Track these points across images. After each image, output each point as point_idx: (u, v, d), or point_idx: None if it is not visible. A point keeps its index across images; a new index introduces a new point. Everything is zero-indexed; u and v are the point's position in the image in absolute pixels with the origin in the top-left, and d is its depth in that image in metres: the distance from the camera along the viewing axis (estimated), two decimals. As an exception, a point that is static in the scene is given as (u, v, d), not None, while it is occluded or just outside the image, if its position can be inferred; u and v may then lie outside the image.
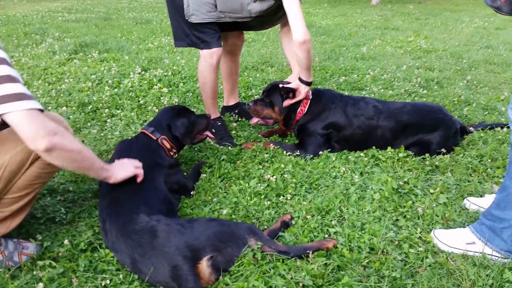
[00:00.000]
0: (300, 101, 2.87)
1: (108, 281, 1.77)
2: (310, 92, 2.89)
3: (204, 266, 1.74)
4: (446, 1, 14.49)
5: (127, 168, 2.02)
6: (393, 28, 8.30)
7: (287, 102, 2.85)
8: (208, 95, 3.05)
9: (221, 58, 3.26)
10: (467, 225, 2.03)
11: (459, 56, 5.70)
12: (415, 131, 2.82)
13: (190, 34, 2.84)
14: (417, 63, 5.28)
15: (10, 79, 1.54)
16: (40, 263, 1.86)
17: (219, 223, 1.96)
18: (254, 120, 3.02)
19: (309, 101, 2.88)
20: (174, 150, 2.46)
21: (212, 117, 3.11)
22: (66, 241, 1.97)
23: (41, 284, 1.72)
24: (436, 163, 2.71)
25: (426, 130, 2.82)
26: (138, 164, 2.10)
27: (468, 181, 2.52)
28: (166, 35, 6.95)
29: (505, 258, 1.86)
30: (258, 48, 6.05)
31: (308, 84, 2.79)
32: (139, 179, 2.07)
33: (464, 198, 2.32)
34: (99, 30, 7.36)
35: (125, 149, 2.33)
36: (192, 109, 3.60)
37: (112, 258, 1.90)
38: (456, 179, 2.53)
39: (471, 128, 3.09)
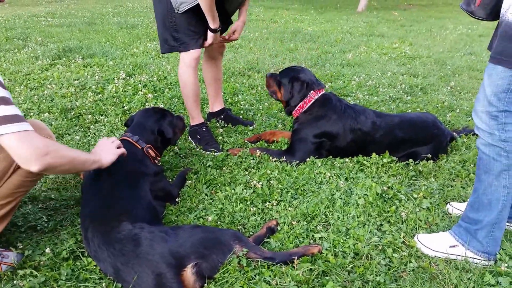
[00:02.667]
0: (303, 95, 2.89)
1: (90, 290, 1.75)
2: (313, 92, 2.89)
3: (189, 273, 1.73)
4: (431, 8, 14.72)
5: (112, 151, 2.06)
6: (378, 34, 8.39)
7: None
8: (190, 99, 3.05)
9: (203, 63, 3.30)
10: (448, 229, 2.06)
11: (443, 62, 5.78)
12: (409, 145, 2.85)
13: (169, 39, 2.87)
14: (402, 70, 5.35)
15: (4, 101, 1.55)
16: (21, 272, 1.83)
17: (203, 230, 1.95)
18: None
19: (312, 100, 2.88)
20: (159, 158, 2.45)
21: (196, 123, 3.12)
22: (47, 250, 1.94)
23: (21, 294, 1.70)
24: (420, 168, 2.74)
25: (419, 144, 2.85)
26: (117, 142, 2.15)
27: (451, 186, 2.55)
28: (152, 40, 6.92)
29: (486, 261, 1.89)
30: (245, 54, 6.06)
31: (212, 30, 2.80)
32: (124, 152, 2.14)
33: (447, 203, 2.35)
34: (83, 35, 7.29)
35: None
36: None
37: (94, 267, 1.87)
38: (439, 184, 2.56)
39: (454, 133, 3.13)
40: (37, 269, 1.87)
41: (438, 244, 1.96)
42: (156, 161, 2.41)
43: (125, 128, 2.59)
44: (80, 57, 5.43)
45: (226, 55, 5.96)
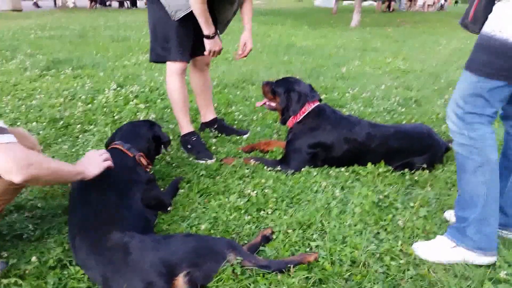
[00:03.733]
0: (299, 105, 2.89)
1: (78, 299, 1.67)
2: (307, 104, 2.90)
3: (181, 282, 1.66)
4: (424, 25, 14.92)
5: (98, 164, 2.00)
6: (371, 49, 8.46)
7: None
8: (177, 106, 3.04)
9: (190, 75, 3.32)
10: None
11: (437, 76, 5.81)
12: (404, 156, 2.83)
13: (158, 48, 2.93)
14: (396, 83, 5.36)
15: None
16: (5, 281, 1.74)
17: (196, 238, 1.90)
18: (262, 102, 3.14)
19: (306, 111, 2.87)
20: (150, 166, 2.41)
21: (186, 132, 3.08)
22: (33, 258, 1.86)
23: (4, 304, 1.62)
24: (416, 178, 2.70)
25: (414, 154, 2.83)
26: (106, 154, 2.08)
27: (448, 195, 2.51)
28: (144, 53, 6.89)
29: (484, 256, 1.88)
30: (239, 66, 6.05)
31: (206, 37, 2.80)
32: (110, 165, 2.07)
33: (444, 211, 2.31)
34: (73, 47, 7.25)
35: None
36: (171, 126, 3.57)
37: (83, 276, 1.80)
38: (435, 193, 2.53)
39: (449, 144, 3.10)
40: (22, 278, 1.79)
41: (439, 249, 1.96)
42: (148, 169, 2.36)
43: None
44: (70, 68, 5.38)
45: (220, 67, 5.96)
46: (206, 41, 2.82)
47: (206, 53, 2.90)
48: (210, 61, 3.35)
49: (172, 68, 2.94)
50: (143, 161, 2.32)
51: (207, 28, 2.74)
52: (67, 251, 1.95)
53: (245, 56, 3.14)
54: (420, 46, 9.16)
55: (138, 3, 23.52)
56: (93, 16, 14.70)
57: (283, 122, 2.99)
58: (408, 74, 6.00)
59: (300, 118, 2.87)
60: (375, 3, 27.02)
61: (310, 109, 2.87)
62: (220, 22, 3.05)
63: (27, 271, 1.82)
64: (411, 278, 1.81)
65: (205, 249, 1.80)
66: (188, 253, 1.73)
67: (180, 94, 2.98)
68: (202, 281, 1.71)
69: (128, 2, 22.55)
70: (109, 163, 2.06)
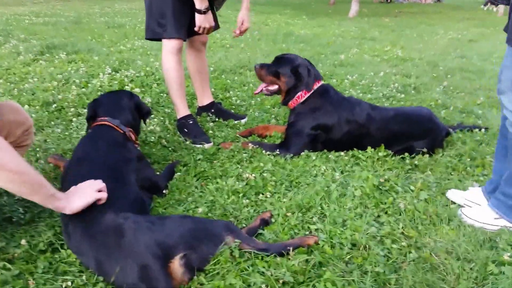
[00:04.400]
0: (312, 80, 2.82)
1: (69, 283, 1.61)
2: (311, 85, 2.82)
3: (176, 265, 1.60)
4: (421, 16, 14.81)
5: (85, 196, 1.71)
6: (370, 38, 8.38)
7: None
8: (173, 87, 2.95)
9: (186, 56, 3.23)
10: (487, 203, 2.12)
11: (435, 64, 5.75)
12: (404, 139, 2.77)
13: (154, 24, 2.86)
14: (394, 70, 5.31)
15: None
16: (-8, 265, 1.69)
17: (193, 220, 1.84)
18: (259, 89, 2.95)
19: (312, 90, 2.80)
20: (138, 142, 2.35)
21: (182, 115, 3.01)
22: (23, 242, 1.80)
23: (-9, 286, 1.56)
24: (416, 162, 2.66)
25: (414, 138, 2.77)
26: (101, 185, 1.79)
27: (448, 179, 2.47)
28: (140, 39, 6.79)
29: None
30: (236, 54, 5.97)
31: (198, 11, 2.71)
32: (100, 202, 1.76)
33: (447, 192, 2.29)
34: (68, 33, 7.13)
35: (90, 148, 2.11)
36: (167, 110, 3.50)
37: (74, 260, 1.73)
38: (436, 178, 2.48)
39: (449, 129, 3.06)
40: (11, 262, 1.73)
41: (483, 216, 2.02)
42: (137, 145, 2.29)
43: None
44: (64, 53, 5.28)
45: (217, 54, 5.87)
46: (197, 15, 2.73)
47: (196, 28, 2.80)
48: (207, 41, 3.26)
49: (168, 46, 2.87)
50: (132, 136, 2.26)
51: (199, 1, 2.66)
52: (59, 234, 1.89)
53: (242, 34, 3.06)
54: (418, 36, 9.08)
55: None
56: (88, 4, 14.52)
57: (286, 103, 2.88)
58: (407, 62, 5.94)
59: (305, 98, 2.79)
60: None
61: (316, 87, 2.80)
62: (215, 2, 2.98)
63: (16, 255, 1.76)
64: (413, 261, 1.76)
65: (202, 231, 1.74)
66: (185, 235, 1.67)
67: (176, 73, 2.90)
68: (199, 264, 1.66)
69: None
70: (102, 195, 1.76)
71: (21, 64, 4.74)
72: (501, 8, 15.62)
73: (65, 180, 1.99)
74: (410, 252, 1.81)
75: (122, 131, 2.22)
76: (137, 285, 1.56)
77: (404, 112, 2.88)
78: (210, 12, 2.77)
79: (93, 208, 1.77)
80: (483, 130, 3.10)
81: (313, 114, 2.75)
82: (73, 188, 1.76)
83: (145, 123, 2.54)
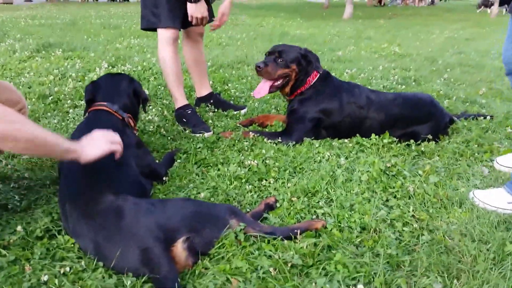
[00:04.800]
0: (319, 63, 2.80)
1: (67, 269, 1.52)
2: (320, 66, 2.79)
3: (179, 248, 1.53)
4: (415, 18, 14.86)
5: (99, 145, 1.68)
6: (366, 37, 8.36)
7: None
8: (170, 77, 2.89)
9: (183, 47, 3.18)
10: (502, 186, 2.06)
11: (434, 59, 5.72)
12: (405, 124, 2.71)
13: (148, 14, 2.81)
14: (393, 65, 5.27)
15: None
16: (-13, 252, 1.60)
17: (195, 203, 1.76)
18: (263, 90, 2.73)
19: (317, 76, 2.75)
20: (137, 128, 2.27)
21: (180, 105, 2.94)
22: (19, 228, 1.71)
23: (-14, 271, 1.47)
24: (422, 149, 2.59)
25: (416, 123, 2.71)
26: (115, 137, 1.76)
27: (456, 165, 2.41)
28: (136, 37, 6.73)
29: None
30: (232, 51, 5.92)
31: (189, 0, 2.66)
32: (117, 156, 1.76)
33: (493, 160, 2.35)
34: (64, 33, 7.07)
35: (87, 133, 2.03)
36: (165, 101, 3.42)
37: (72, 246, 1.65)
38: (443, 163, 2.42)
39: (453, 117, 3.01)
40: (6, 248, 1.64)
41: (496, 200, 1.95)
42: (136, 131, 2.22)
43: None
44: (61, 50, 5.21)
45: (213, 51, 5.81)
46: (188, 5, 2.67)
47: (189, 18, 2.74)
48: (204, 32, 3.20)
49: (164, 36, 2.82)
50: (131, 122, 2.19)
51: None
52: (56, 220, 1.81)
53: (219, 27, 3.00)
54: (414, 35, 9.08)
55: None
56: (84, 8, 14.50)
57: (293, 92, 2.78)
58: (405, 57, 5.91)
59: (312, 83, 2.74)
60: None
61: (320, 72, 2.76)
62: None
63: (11, 241, 1.68)
64: (425, 243, 1.69)
65: (205, 214, 1.67)
66: (187, 218, 1.60)
67: (172, 63, 2.84)
68: (203, 248, 1.59)
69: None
70: (117, 147, 1.75)
71: (17, 60, 4.66)
72: (494, 10, 15.71)
73: (63, 167, 1.91)
74: (422, 235, 1.74)
75: (120, 117, 2.14)
76: (139, 270, 1.48)
77: (404, 95, 2.85)
78: (202, 2, 2.70)
79: (91, 189, 1.70)
80: (488, 117, 3.04)
81: (315, 99, 2.71)
82: (85, 137, 1.70)
83: (144, 110, 2.45)
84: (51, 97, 3.35)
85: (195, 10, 2.69)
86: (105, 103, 2.15)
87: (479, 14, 16.68)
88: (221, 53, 5.64)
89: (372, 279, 1.48)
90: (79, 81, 3.79)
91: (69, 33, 7.12)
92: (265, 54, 2.82)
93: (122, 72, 2.47)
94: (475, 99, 3.64)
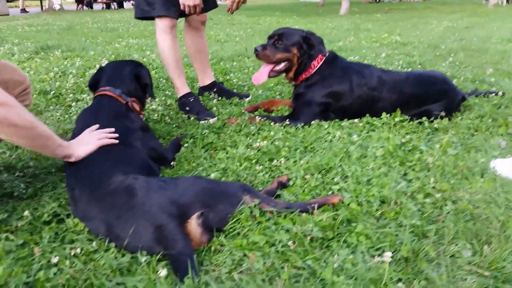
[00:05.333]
0: (323, 46, 2.66)
1: (78, 250, 1.46)
2: (324, 49, 2.66)
3: (194, 225, 1.46)
4: (412, 11, 14.80)
5: (89, 142, 1.75)
6: (364, 30, 8.31)
7: None
8: (170, 66, 2.83)
9: (185, 35, 3.11)
10: None
11: (436, 46, 5.65)
12: (418, 103, 2.63)
13: (142, 3, 2.75)
14: (396, 51, 5.21)
15: None
16: (-6, 237, 1.53)
17: (207, 180, 1.70)
18: (263, 75, 2.65)
19: (323, 58, 2.65)
20: (143, 113, 2.21)
21: (182, 93, 2.88)
22: (26, 213, 1.65)
23: (-7, 255, 1.41)
24: (436, 126, 2.53)
25: (429, 101, 2.63)
26: (103, 134, 1.81)
27: (472, 140, 2.34)
28: (134, 38, 6.68)
29: None
30: (231, 46, 5.87)
31: None
32: (107, 142, 1.79)
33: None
34: (62, 36, 7.03)
35: (90, 120, 1.96)
36: (167, 93, 3.36)
37: (82, 229, 1.59)
38: (459, 138, 2.35)
39: (465, 94, 2.94)
40: (14, 234, 1.58)
41: None
42: (141, 116, 2.16)
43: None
44: (59, 51, 5.15)
45: (212, 47, 5.75)
46: None
47: (181, 7, 2.65)
48: (206, 20, 3.14)
49: (160, 25, 2.76)
50: (136, 106, 2.13)
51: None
52: (64, 206, 1.74)
53: (237, 8, 2.83)
54: (412, 26, 9.01)
55: (125, 5, 23.29)
56: (79, 16, 14.48)
57: (297, 76, 2.69)
58: (406, 45, 5.84)
59: (317, 67, 2.64)
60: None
61: (327, 55, 2.66)
62: None
63: (19, 226, 1.61)
64: (448, 213, 1.62)
65: (218, 191, 1.61)
66: (200, 194, 1.54)
67: (171, 52, 2.79)
68: (218, 224, 1.52)
69: (115, 3, 22.31)
70: (105, 141, 1.79)
71: (16, 62, 4.61)
72: (492, 0, 15.68)
73: None
74: (445, 205, 1.67)
75: (124, 101, 2.08)
76: (153, 248, 1.42)
77: (416, 74, 2.77)
78: None
79: (99, 171, 1.64)
80: (500, 93, 2.98)
81: (323, 82, 2.62)
82: (78, 137, 1.79)
83: (150, 95, 2.34)
84: (53, 92, 3.29)
85: None
86: (107, 88, 2.10)
87: (476, 5, 16.66)
88: (220, 48, 5.59)
89: (397, 249, 1.41)
90: (80, 78, 3.73)
91: (67, 37, 7.08)
92: (267, 39, 2.73)
93: (130, 59, 2.40)
94: (483, 79, 3.57)
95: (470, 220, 1.56)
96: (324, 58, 2.66)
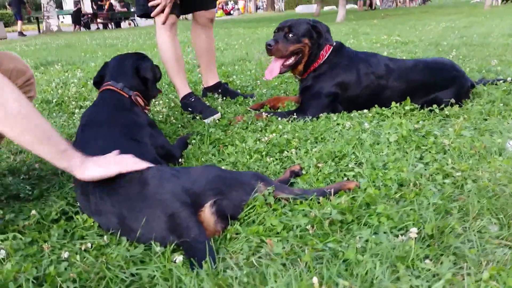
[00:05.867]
0: (330, 35, 2.61)
1: (89, 245, 1.40)
2: (330, 38, 2.62)
3: (208, 213, 1.40)
4: (409, 15, 14.88)
5: (106, 165, 1.45)
6: (363, 33, 8.32)
7: None
8: (171, 66, 2.79)
9: (192, 33, 3.09)
10: None
11: (437, 43, 5.64)
12: (427, 90, 2.58)
13: (142, 1, 2.70)
14: (398, 50, 5.19)
15: None
16: (1, 236, 1.47)
17: (219, 169, 1.65)
18: (275, 70, 2.59)
19: (331, 48, 2.60)
20: (148, 108, 2.16)
21: (184, 94, 2.84)
22: (33, 212, 1.59)
23: (3, 252, 1.35)
24: (446, 112, 2.47)
25: (438, 88, 2.58)
26: (125, 159, 1.50)
27: (485, 124, 2.29)
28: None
29: None
30: (232, 53, 5.86)
31: None
32: (128, 169, 1.47)
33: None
34: (61, 52, 7.04)
35: (94, 117, 1.89)
36: (171, 96, 3.33)
37: (92, 224, 1.53)
38: (472, 123, 2.30)
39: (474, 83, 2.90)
40: (21, 233, 1.52)
41: None
42: (146, 111, 2.11)
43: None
44: (59, 64, 5.14)
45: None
46: None
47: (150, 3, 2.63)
48: (214, 17, 3.11)
49: (160, 21, 2.70)
50: (140, 101, 2.07)
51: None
52: (72, 204, 1.69)
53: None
54: (411, 28, 9.03)
55: (122, 24, 23.49)
56: (77, 35, 14.57)
57: (307, 67, 2.63)
58: (408, 44, 5.84)
59: (326, 57, 2.60)
60: (356, 6, 27.22)
61: (334, 44, 2.62)
62: None
63: (26, 225, 1.55)
64: (470, 191, 1.56)
65: (231, 179, 1.55)
66: (213, 181, 1.48)
67: (171, 49, 2.75)
68: (232, 211, 1.46)
69: (113, 23, 22.49)
70: (124, 167, 1.47)
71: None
72: (487, 1, 15.76)
73: (78, 143, 1.80)
74: (466, 184, 1.61)
75: (126, 95, 2.03)
76: (167, 237, 1.36)
77: (424, 61, 2.71)
78: None
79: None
80: (509, 79, 2.93)
81: (330, 73, 2.58)
82: (97, 157, 1.48)
83: (153, 90, 2.27)
84: (55, 100, 3.26)
85: None
86: (109, 82, 2.05)
87: (472, 6, 16.73)
88: (220, 55, 5.59)
89: (421, 227, 1.35)
90: (82, 87, 3.70)
91: (66, 52, 7.09)
92: (274, 32, 2.69)
93: (136, 52, 2.34)
94: (489, 68, 3.54)
95: (493, 197, 1.50)
96: (332, 47, 2.61)
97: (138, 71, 2.13)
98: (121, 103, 1.97)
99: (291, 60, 2.61)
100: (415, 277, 1.15)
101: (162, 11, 2.63)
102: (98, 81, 2.14)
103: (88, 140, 1.74)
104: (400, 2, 25.90)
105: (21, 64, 1.69)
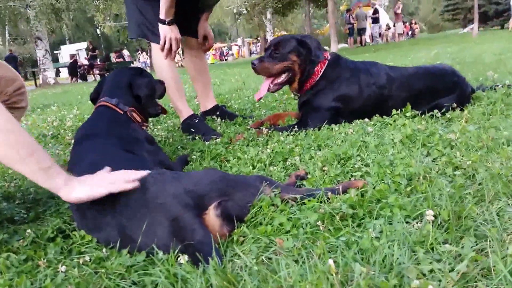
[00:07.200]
0: (321, 51, 2.54)
1: (87, 258, 1.31)
2: (321, 54, 2.54)
3: (212, 216, 1.33)
4: (400, 48, 15.13)
5: (96, 186, 1.32)
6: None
7: None
8: (170, 87, 2.72)
9: (185, 59, 3.13)
10: None
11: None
12: (430, 97, 2.54)
13: (142, 25, 2.72)
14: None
15: None
16: (-5, 256, 1.39)
17: (222, 172, 1.58)
18: (263, 89, 2.55)
19: (326, 62, 2.55)
20: (146, 124, 2.11)
21: (185, 116, 2.81)
22: (29, 231, 1.51)
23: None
24: (449, 116, 2.44)
25: (440, 95, 2.55)
26: (118, 178, 1.37)
27: (488, 122, 2.24)
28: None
29: None
30: (228, 85, 5.91)
31: (160, 21, 2.57)
32: (122, 188, 1.35)
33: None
34: (57, 96, 7.10)
35: (89, 132, 1.83)
36: (169, 122, 3.30)
37: (90, 240, 1.44)
38: (475, 123, 2.26)
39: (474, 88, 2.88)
40: (16, 253, 1.44)
41: None
42: (145, 127, 2.06)
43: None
44: (56, 105, 5.15)
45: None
46: (160, 27, 2.60)
47: (161, 40, 2.63)
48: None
49: (157, 48, 2.70)
50: (136, 117, 2.02)
51: (164, 12, 2.53)
52: (68, 222, 1.61)
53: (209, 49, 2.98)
54: (403, 56, 9.17)
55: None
56: (75, 86, 14.75)
57: (302, 84, 2.58)
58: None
59: (322, 72, 2.54)
60: (347, 45, 27.81)
61: (329, 58, 2.57)
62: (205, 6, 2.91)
63: (21, 244, 1.47)
64: (483, 179, 1.50)
65: (235, 181, 1.49)
66: (216, 182, 1.41)
67: (169, 70, 2.75)
68: (238, 213, 1.39)
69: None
70: (119, 186, 1.34)
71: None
72: (475, 29, 16.16)
73: (74, 157, 1.75)
74: (478, 173, 1.55)
75: (121, 111, 1.98)
76: (170, 243, 1.27)
77: (424, 67, 2.70)
78: (175, 25, 2.63)
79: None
80: (506, 82, 2.92)
81: (331, 87, 2.52)
82: (85, 176, 1.38)
83: (149, 107, 2.19)
84: (51, 133, 3.22)
85: (167, 32, 2.59)
86: (104, 98, 2.00)
87: (461, 35, 17.10)
88: (217, 88, 5.62)
89: (438, 213, 1.27)
90: (79, 122, 3.68)
91: (62, 98, 7.14)
92: (263, 51, 2.68)
93: (133, 67, 2.32)
94: (487, 77, 3.53)
95: (508, 183, 1.43)
96: (327, 61, 2.56)
97: (132, 88, 2.09)
98: (116, 118, 1.93)
99: (281, 78, 2.57)
100: (436, 260, 1.07)
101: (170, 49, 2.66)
102: (95, 98, 2.11)
103: (81, 154, 1.69)
104: (390, 37, 26.47)
105: (10, 72, 1.65)
